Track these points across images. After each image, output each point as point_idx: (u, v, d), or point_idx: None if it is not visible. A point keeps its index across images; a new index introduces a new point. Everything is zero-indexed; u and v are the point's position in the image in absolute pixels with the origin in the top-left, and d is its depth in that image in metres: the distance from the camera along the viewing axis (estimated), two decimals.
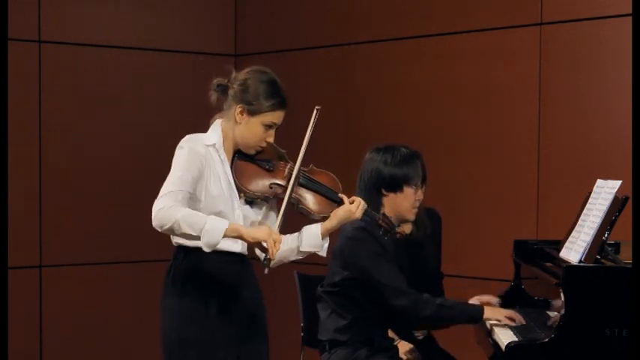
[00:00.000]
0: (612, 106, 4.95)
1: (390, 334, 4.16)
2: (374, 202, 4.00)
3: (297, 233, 3.58)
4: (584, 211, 3.82)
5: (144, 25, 6.30)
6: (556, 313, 3.62)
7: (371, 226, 3.95)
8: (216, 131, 3.55)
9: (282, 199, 3.49)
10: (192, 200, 3.43)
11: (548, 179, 5.16)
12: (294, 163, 3.55)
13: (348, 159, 5.30)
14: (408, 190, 4.00)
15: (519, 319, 3.88)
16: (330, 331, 3.99)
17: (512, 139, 5.30)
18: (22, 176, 5.80)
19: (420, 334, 4.36)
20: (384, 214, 3.67)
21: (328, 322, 4.00)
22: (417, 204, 4.05)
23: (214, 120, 3.60)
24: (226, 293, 3.50)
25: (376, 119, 5.89)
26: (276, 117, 3.55)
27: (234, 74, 3.57)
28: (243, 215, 3.53)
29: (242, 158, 3.56)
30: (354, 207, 3.56)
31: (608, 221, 3.57)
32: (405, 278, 3.96)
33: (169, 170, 3.44)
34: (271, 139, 3.55)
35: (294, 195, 3.53)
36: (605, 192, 3.70)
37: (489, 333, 3.89)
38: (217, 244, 3.33)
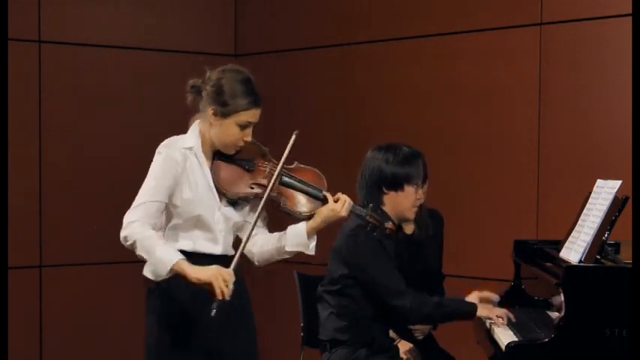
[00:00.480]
0: (612, 106, 4.95)
1: (391, 334, 4.16)
2: (374, 200, 4.00)
3: (282, 232, 3.54)
4: (584, 211, 3.82)
5: (144, 25, 6.29)
6: (556, 313, 3.62)
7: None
8: (194, 133, 3.52)
9: (269, 198, 3.45)
10: (173, 207, 3.43)
11: (548, 179, 5.16)
12: (277, 160, 3.50)
13: (348, 159, 5.30)
14: (409, 189, 4.01)
15: (510, 316, 3.90)
16: (331, 330, 3.99)
17: (512, 139, 5.30)
18: (22, 176, 5.80)
19: (419, 334, 4.37)
20: (372, 209, 3.61)
21: (328, 322, 4.00)
22: (418, 203, 4.06)
23: (193, 120, 3.57)
24: (206, 298, 3.40)
25: (376, 119, 5.89)
26: (250, 116, 3.47)
27: (208, 74, 3.52)
28: (225, 217, 3.49)
29: (222, 159, 3.51)
30: (338, 205, 3.50)
31: (608, 221, 3.57)
32: (403, 278, 3.97)
33: None
34: (248, 138, 3.49)
35: (276, 194, 3.48)
36: (605, 192, 3.70)
37: (489, 333, 3.89)
38: (163, 276, 3.32)
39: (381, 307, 3.95)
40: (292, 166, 3.60)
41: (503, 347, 3.54)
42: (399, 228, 4.14)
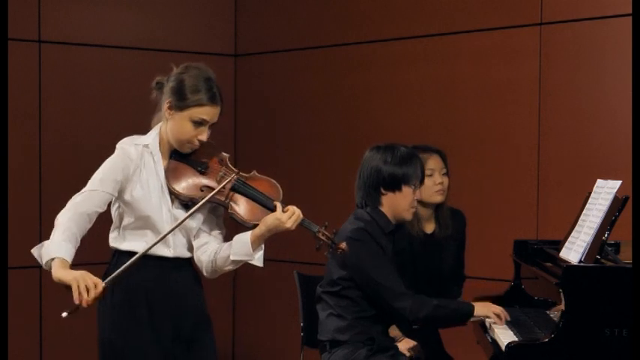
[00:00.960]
0: (612, 106, 4.95)
1: (394, 331, 4.16)
2: (372, 201, 4.01)
3: (230, 242, 3.47)
4: (584, 211, 3.82)
5: (144, 25, 6.29)
6: (556, 313, 3.62)
7: (371, 226, 3.96)
8: (154, 131, 3.50)
9: (214, 203, 3.41)
10: (123, 204, 3.41)
11: (548, 179, 5.16)
12: (234, 167, 3.45)
13: (348, 159, 5.30)
14: (407, 190, 4.00)
15: (505, 315, 3.91)
16: (330, 331, 3.99)
17: (512, 139, 5.30)
18: (22, 176, 5.80)
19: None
20: (325, 227, 3.50)
21: (328, 322, 4.00)
22: (415, 204, 4.06)
23: (156, 121, 3.55)
24: (155, 298, 3.39)
25: (376, 119, 5.89)
26: (205, 113, 3.40)
27: (174, 70, 3.50)
28: (175, 218, 3.43)
29: (177, 159, 3.47)
30: (285, 216, 3.38)
31: (608, 221, 3.57)
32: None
33: None
34: (203, 137, 3.42)
35: (225, 200, 3.43)
36: (605, 192, 3.70)
37: (489, 333, 3.89)
38: (40, 265, 3.28)
39: (380, 309, 3.95)
40: (249, 174, 3.53)
41: (503, 347, 3.54)
42: (400, 225, 4.12)
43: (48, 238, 6.43)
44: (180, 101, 3.40)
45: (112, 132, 6.23)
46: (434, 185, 4.39)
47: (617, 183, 3.65)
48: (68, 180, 6.18)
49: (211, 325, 3.60)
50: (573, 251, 3.70)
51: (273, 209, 3.43)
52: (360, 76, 6.00)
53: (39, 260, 3.32)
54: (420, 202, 4.32)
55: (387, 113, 5.85)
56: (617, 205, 3.58)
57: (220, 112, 3.46)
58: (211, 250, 3.50)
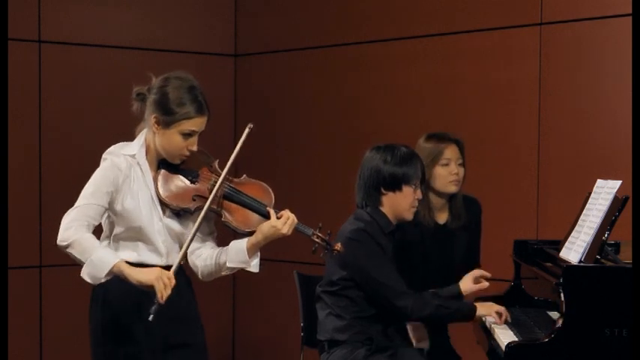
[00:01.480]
0: (612, 106, 4.95)
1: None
2: (373, 201, 4.01)
3: (225, 248, 3.47)
4: (584, 211, 3.82)
5: (144, 25, 6.29)
6: (556, 313, 3.62)
7: (371, 227, 3.96)
8: (139, 141, 3.46)
9: (208, 211, 3.38)
10: (114, 214, 3.39)
11: (548, 179, 5.16)
12: (223, 172, 3.41)
13: (348, 159, 5.30)
14: (407, 190, 4.00)
15: (506, 315, 3.92)
16: (329, 330, 3.99)
17: (513, 139, 5.30)
18: (22, 176, 5.80)
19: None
20: (320, 229, 3.51)
21: (327, 322, 4.00)
22: (416, 203, 4.05)
23: (139, 129, 3.51)
24: (148, 306, 3.34)
25: (376, 119, 5.89)
26: (194, 124, 3.38)
27: (153, 81, 3.46)
28: (167, 228, 3.43)
29: (166, 168, 3.44)
30: (280, 223, 3.38)
31: (608, 221, 3.57)
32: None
33: None
34: (194, 147, 3.41)
35: (217, 208, 3.41)
36: (605, 192, 3.70)
37: (489, 333, 3.89)
38: (100, 279, 3.28)
39: (381, 309, 3.95)
40: (239, 179, 3.51)
41: (503, 347, 3.54)
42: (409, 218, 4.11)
43: (48, 238, 6.44)
44: (167, 116, 3.37)
45: (112, 132, 6.24)
46: (449, 175, 4.31)
47: (617, 183, 3.65)
48: (68, 180, 6.18)
49: (203, 330, 3.60)
50: (573, 251, 3.70)
51: (266, 215, 3.42)
52: (360, 76, 6.00)
53: (92, 279, 3.33)
54: (434, 192, 4.30)
55: (387, 113, 5.85)
56: (617, 205, 3.58)
57: (208, 118, 3.43)
58: (206, 255, 3.50)
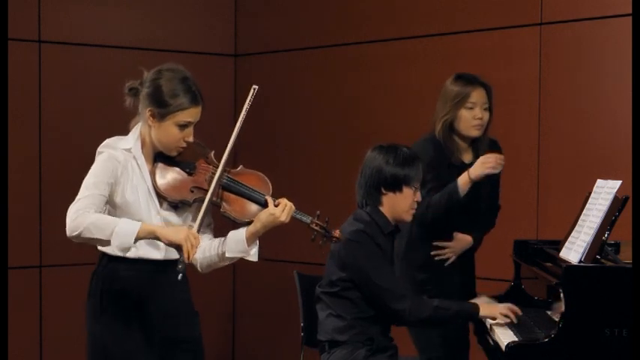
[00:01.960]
0: (612, 106, 4.95)
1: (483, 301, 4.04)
2: (373, 200, 4.01)
3: (224, 238, 3.46)
4: (584, 211, 3.82)
5: (144, 25, 6.29)
6: (556, 313, 3.62)
7: (370, 227, 3.96)
8: (134, 135, 3.46)
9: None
10: (112, 207, 3.38)
11: (548, 179, 5.16)
12: (220, 162, 3.41)
13: (348, 159, 5.30)
14: (408, 191, 4.00)
15: (515, 310, 3.89)
16: (329, 331, 3.99)
17: (512, 139, 5.30)
18: (22, 176, 5.80)
19: (450, 254, 4.37)
20: (318, 217, 3.50)
21: (327, 323, 4.00)
22: (415, 205, 4.05)
23: (134, 123, 3.51)
24: (145, 301, 3.37)
25: (376, 119, 5.89)
26: (189, 115, 3.38)
27: (145, 75, 3.45)
28: (165, 221, 3.42)
29: (163, 161, 3.44)
30: (278, 210, 3.37)
31: (608, 221, 3.57)
32: (402, 282, 3.98)
33: None
34: (190, 138, 3.40)
35: (216, 198, 3.40)
36: (605, 192, 3.70)
37: (489, 333, 3.89)
38: (130, 246, 3.25)
39: (380, 310, 3.95)
40: (236, 170, 3.51)
41: (503, 347, 3.54)
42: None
43: (48, 238, 6.46)
44: (162, 108, 3.36)
45: (112, 132, 6.23)
46: (472, 119, 4.30)
47: (617, 183, 3.65)
48: (68, 180, 6.16)
49: (199, 322, 3.59)
50: (573, 251, 3.70)
51: (264, 204, 3.42)
52: (360, 76, 6.00)
53: (122, 250, 3.27)
54: (457, 134, 4.32)
55: (387, 113, 5.85)
56: (617, 205, 3.58)
57: (203, 108, 3.42)
58: (204, 246, 3.49)
